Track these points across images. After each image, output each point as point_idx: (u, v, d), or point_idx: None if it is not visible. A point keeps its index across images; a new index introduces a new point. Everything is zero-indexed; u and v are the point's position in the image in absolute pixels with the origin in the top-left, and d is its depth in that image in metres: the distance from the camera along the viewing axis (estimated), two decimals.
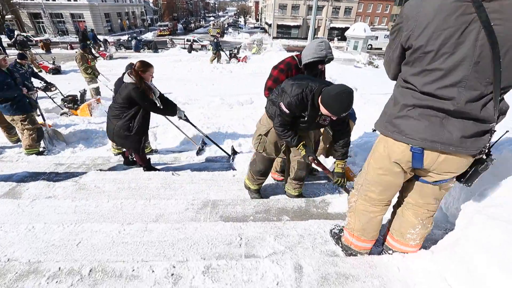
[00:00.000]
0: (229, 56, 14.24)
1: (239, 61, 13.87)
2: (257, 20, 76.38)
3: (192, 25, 52.99)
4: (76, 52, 7.28)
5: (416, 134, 1.12)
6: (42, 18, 37.49)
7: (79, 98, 6.53)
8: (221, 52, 13.78)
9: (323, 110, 1.71)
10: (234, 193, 2.66)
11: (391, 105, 1.24)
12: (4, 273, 1.55)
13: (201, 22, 64.07)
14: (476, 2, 0.89)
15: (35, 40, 21.99)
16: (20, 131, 4.01)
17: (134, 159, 3.34)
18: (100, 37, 22.12)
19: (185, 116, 3.37)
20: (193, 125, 3.67)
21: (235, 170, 3.32)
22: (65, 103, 6.24)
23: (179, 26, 48.54)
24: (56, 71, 11.62)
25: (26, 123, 3.87)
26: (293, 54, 2.41)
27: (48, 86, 5.85)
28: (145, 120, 2.84)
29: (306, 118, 1.86)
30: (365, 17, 44.36)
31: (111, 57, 15.89)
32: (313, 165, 2.14)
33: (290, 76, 2.27)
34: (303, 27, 42.19)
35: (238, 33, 42.58)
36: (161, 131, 4.66)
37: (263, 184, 2.57)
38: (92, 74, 7.03)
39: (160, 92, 2.91)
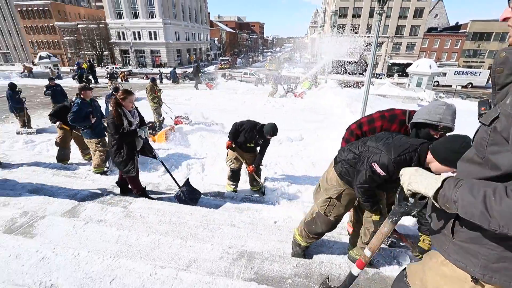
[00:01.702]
0: (285, 90, 14.45)
1: (295, 96, 13.91)
2: (313, 55, 78.53)
3: (250, 59, 57.05)
4: (148, 83, 8.36)
5: None
6: (129, 53, 45.10)
7: (157, 125, 7.37)
8: (278, 86, 14.20)
9: (439, 168, 1.38)
10: (273, 245, 2.44)
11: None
12: None
13: (259, 57, 68.67)
14: None
15: (120, 71, 26.26)
16: (92, 152, 4.59)
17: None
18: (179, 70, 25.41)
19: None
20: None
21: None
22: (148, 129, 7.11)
23: (238, 60, 52.75)
24: None
25: (99, 146, 4.44)
26: (408, 109, 2.12)
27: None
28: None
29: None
30: (430, 52, 41.75)
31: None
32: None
33: (386, 128, 2.07)
34: (360, 62, 41.61)
35: (293, 67, 44.13)
36: (210, 163, 4.78)
37: None
38: (158, 104, 7.89)
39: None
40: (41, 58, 32.31)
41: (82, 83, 9.53)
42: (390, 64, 37.68)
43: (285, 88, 14.39)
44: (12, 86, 7.77)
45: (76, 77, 19.16)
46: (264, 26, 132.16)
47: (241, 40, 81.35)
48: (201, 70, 18.52)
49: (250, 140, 3.57)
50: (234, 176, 3.86)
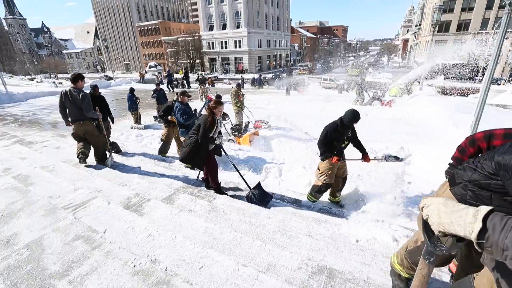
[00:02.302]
0: (371, 98, 13.31)
1: (382, 104, 12.57)
2: (403, 59, 70.08)
3: (331, 64, 55.08)
4: (232, 88, 9.10)
5: None
6: (216, 61, 50.17)
7: (243, 128, 7.93)
8: (364, 93, 13.23)
9: None
10: (355, 266, 2.24)
11: None
12: (150, 274, 1.88)
13: (340, 62, 65.62)
14: None
15: (208, 77, 29.43)
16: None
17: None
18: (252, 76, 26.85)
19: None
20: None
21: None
22: (233, 131, 7.72)
23: (318, 65, 51.65)
24: None
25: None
26: None
27: (224, 116, 7.69)
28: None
29: None
30: None
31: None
32: None
33: None
34: (470, 65, 34.72)
35: (379, 72, 40.35)
36: (287, 168, 4.80)
37: None
38: (240, 108, 8.44)
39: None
40: (150, 67, 39.30)
41: (171, 88, 11.14)
42: None
43: (370, 95, 13.22)
44: (132, 90, 9.68)
45: (167, 83, 22.26)
46: (347, 30, 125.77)
47: (322, 45, 79.56)
48: (293, 75, 19.23)
49: (341, 139, 3.59)
50: (324, 190, 3.72)
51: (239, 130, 7.69)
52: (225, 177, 4.74)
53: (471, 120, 5.27)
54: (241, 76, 27.11)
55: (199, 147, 3.54)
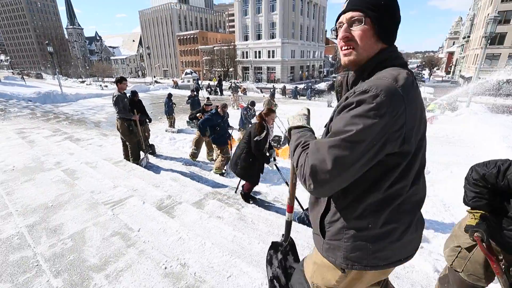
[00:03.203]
0: None
1: None
2: (447, 72, 65.59)
3: None
4: (264, 97, 9.18)
5: None
6: (248, 70, 51.28)
7: (283, 140, 7.65)
8: None
9: None
10: None
11: None
12: (180, 277, 1.92)
13: None
14: None
15: (241, 86, 30.10)
16: (216, 156, 5.41)
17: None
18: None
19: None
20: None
21: None
22: (272, 142, 7.49)
23: None
24: None
25: (223, 152, 5.22)
26: None
27: None
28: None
29: None
30: None
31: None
32: None
33: None
34: None
35: (419, 86, 38.15)
36: None
37: None
38: None
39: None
40: (186, 74, 41.42)
41: (196, 95, 11.53)
42: None
43: None
44: (169, 96, 10.24)
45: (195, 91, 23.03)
46: None
47: None
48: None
49: None
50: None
51: (278, 141, 7.48)
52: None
53: None
54: (273, 86, 27.29)
55: (254, 159, 3.46)
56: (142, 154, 5.47)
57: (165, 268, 1.99)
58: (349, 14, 0.86)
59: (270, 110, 3.55)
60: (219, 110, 5.26)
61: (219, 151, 5.24)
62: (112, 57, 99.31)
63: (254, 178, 3.62)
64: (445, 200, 4.36)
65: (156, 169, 5.17)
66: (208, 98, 7.11)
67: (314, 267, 1.09)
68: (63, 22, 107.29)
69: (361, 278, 0.98)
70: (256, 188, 4.56)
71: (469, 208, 1.54)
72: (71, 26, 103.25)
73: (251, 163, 3.49)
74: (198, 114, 6.31)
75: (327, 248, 0.98)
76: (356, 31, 0.85)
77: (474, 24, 45.60)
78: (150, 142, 6.47)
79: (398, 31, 0.88)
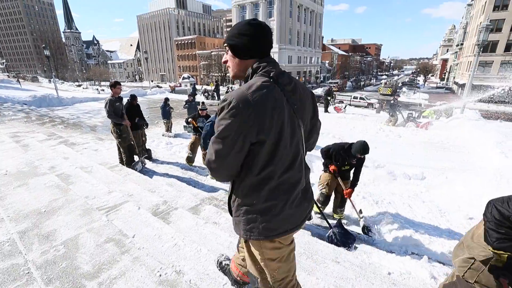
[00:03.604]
0: (405, 119, 12.56)
1: (418, 126, 11.89)
2: (442, 79, 66.62)
3: (362, 83, 53.92)
4: None
5: None
6: None
7: None
8: (398, 114, 12.58)
9: None
10: None
11: None
12: (175, 285, 1.89)
13: (372, 81, 64.02)
14: None
15: None
16: None
17: None
18: None
19: None
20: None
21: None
22: None
23: (348, 83, 50.82)
24: None
25: None
26: None
27: None
28: None
29: None
30: None
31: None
32: None
33: None
34: None
35: (414, 92, 38.66)
36: (315, 189, 4.67)
37: None
38: None
39: None
40: (183, 78, 41.43)
41: (194, 99, 11.55)
42: None
43: (404, 116, 12.56)
44: (166, 100, 10.24)
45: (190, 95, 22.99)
46: (381, 48, 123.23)
47: (354, 63, 78.50)
48: (333, 93, 18.21)
49: (342, 163, 3.52)
50: (325, 201, 3.82)
51: None
52: None
53: None
54: None
55: None
56: (136, 158, 5.43)
57: (160, 275, 1.96)
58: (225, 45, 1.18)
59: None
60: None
61: None
62: (109, 61, 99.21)
63: None
64: (440, 206, 4.38)
65: (152, 174, 5.13)
66: (203, 102, 7.02)
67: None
68: (61, 26, 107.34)
69: (261, 247, 1.24)
70: None
71: (492, 248, 1.41)
72: (69, 30, 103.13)
73: None
74: (189, 120, 6.30)
75: (235, 224, 1.27)
76: (227, 56, 1.19)
77: (467, 32, 46.54)
78: (147, 147, 6.43)
79: (256, 49, 1.12)
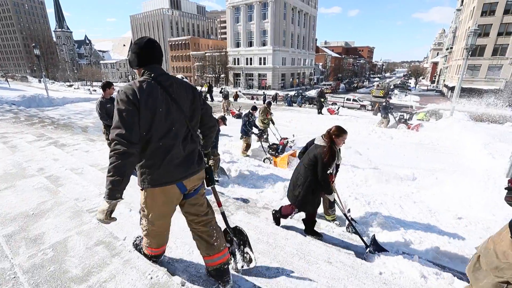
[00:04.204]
0: (397, 121, 12.74)
1: (409, 128, 12.05)
2: (432, 82, 67.96)
3: (355, 85, 54.52)
4: (255, 103, 9.19)
5: None
6: (240, 76, 51.57)
7: (280, 148, 7.30)
8: (389, 115, 12.74)
9: None
10: None
11: None
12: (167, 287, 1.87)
13: (364, 83, 64.80)
14: None
15: (235, 92, 30.13)
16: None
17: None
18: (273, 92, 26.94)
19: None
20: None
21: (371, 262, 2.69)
22: (270, 150, 7.17)
23: (342, 85, 51.32)
24: (238, 116, 15.08)
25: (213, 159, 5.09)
26: None
27: (262, 134, 7.59)
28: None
29: None
30: None
31: None
32: None
33: None
34: (505, 91, 33.01)
35: (406, 95, 39.30)
36: None
37: None
38: (267, 125, 8.48)
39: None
40: None
41: None
42: None
43: (396, 118, 12.76)
44: None
45: None
46: (373, 51, 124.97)
47: (347, 65, 79.38)
48: (325, 95, 18.19)
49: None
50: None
51: (276, 149, 7.09)
52: (243, 193, 4.71)
53: (509, 150, 4.90)
54: (263, 92, 27.47)
55: (317, 187, 2.92)
56: None
57: (151, 278, 1.94)
58: None
59: (341, 130, 2.90)
60: (219, 121, 5.23)
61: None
62: (101, 61, 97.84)
63: (315, 207, 3.08)
64: (430, 206, 4.45)
65: None
66: None
67: None
68: (52, 25, 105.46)
69: (153, 194, 1.70)
70: (245, 195, 4.53)
71: None
72: (60, 29, 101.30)
73: (313, 193, 2.96)
74: None
75: (138, 180, 1.70)
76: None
77: (456, 36, 47.65)
78: None
79: (141, 61, 1.66)
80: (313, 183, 2.90)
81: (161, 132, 1.57)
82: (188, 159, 1.69)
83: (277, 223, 3.38)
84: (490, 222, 3.90)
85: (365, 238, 3.06)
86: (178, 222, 2.88)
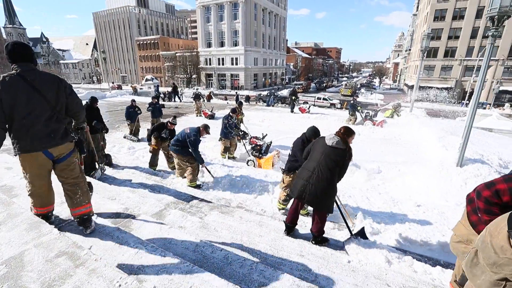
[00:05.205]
0: (363, 118, 13.42)
1: (374, 124, 12.75)
2: (394, 81, 72.69)
3: (324, 84, 56.46)
4: (228, 104, 9.17)
5: None
6: (212, 77, 50.95)
7: (264, 149, 7.14)
8: (357, 113, 13.34)
9: None
10: None
11: None
12: None
13: (334, 82, 67.40)
14: None
15: (208, 92, 29.63)
16: (185, 167, 5.10)
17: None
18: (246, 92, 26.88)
19: None
20: None
21: (348, 254, 2.83)
22: (253, 151, 6.96)
23: (312, 85, 52.87)
24: (211, 117, 14.90)
25: (190, 162, 4.96)
26: None
27: (245, 135, 7.47)
28: None
29: None
30: None
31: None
32: None
33: None
34: (455, 89, 36.33)
35: (371, 93, 41.59)
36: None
37: None
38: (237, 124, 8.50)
39: None
40: (146, 80, 39.65)
41: (157, 102, 11.24)
42: (499, 91, 31.48)
43: (362, 115, 13.48)
44: (132, 102, 9.85)
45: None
46: (341, 52, 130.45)
47: (316, 65, 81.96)
48: (297, 94, 18.59)
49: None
50: (289, 198, 3.95)
51: (260, 150, 6.94)
52: (217, 193, 4.69)
53: (459, 143, 5.42)
54: (236, 93, 27.38)
55: (335, 186, 2.97)
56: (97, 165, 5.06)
57: (120, 285, 1.86)
58: None
59: (349, 131, 3.03)
60: (201, 130, 5.05)
61: (187, 163, 5.00)
62: (62, 61, 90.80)
63: (330, 205, 2.99)
64: (394, 196, 4.78)
65: (112, 181, 4.82)
66: (174, 117, 6.28)
67: None
68: (0, 21, 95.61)
69: (24, 160, 2.19)
70: (219, 196, 4.51)
71: None
72: (10, 25, 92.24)
73: (334, 194, 3.00)
74: (152, 135, 5.86)
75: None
76: None
77: (414, 39, 51.49)
78: (106, 152, 6.02)
79: (10, 59, 2.11)
80: (335, 183, 2.94)
81: (23, 113, 2.04)
82: (50, 134, 2.16)
83: (323, 241, 3.09)
84: (444, 207, 4.29)
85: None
86: (149, 227, 2.80)
